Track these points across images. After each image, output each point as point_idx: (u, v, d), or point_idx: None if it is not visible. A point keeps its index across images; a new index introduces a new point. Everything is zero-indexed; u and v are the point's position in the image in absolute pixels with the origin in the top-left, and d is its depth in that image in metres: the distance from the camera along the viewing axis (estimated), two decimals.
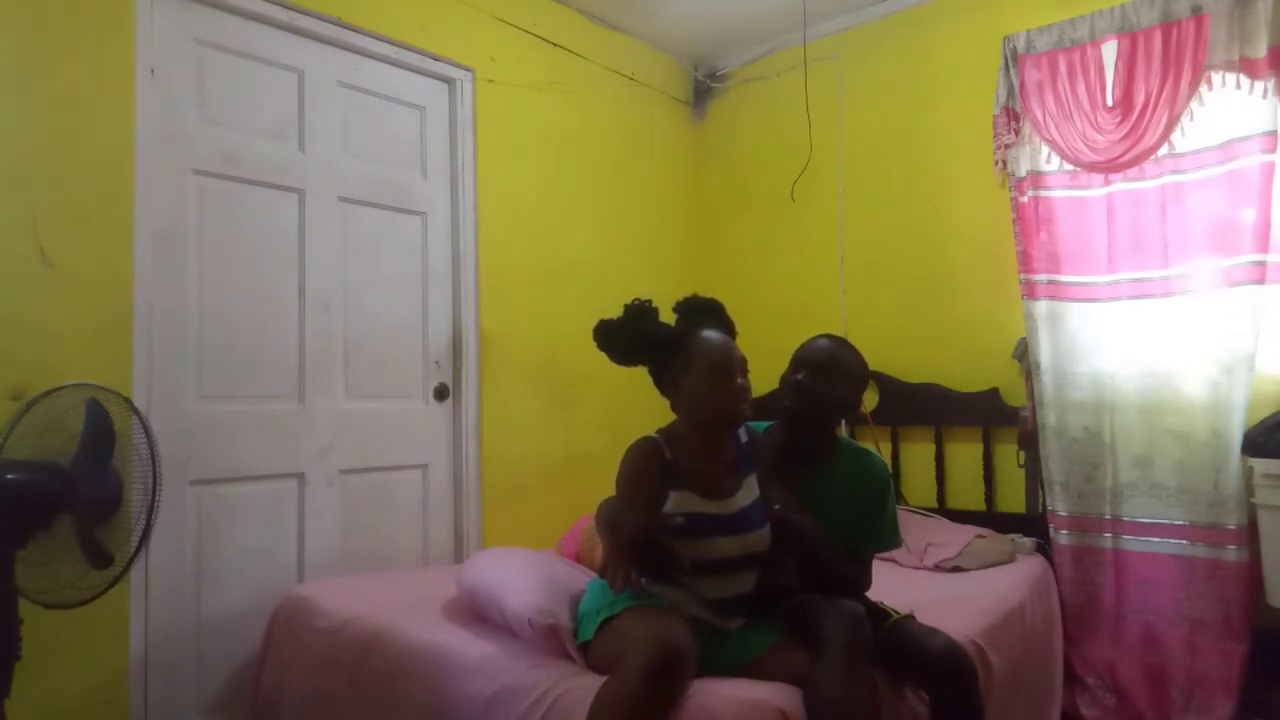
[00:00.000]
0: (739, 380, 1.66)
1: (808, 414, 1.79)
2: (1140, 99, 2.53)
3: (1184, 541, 2.47)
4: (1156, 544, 2.53)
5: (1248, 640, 2.35)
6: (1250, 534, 2.35)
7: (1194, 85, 2.45)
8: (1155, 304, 2.54)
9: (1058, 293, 2.69)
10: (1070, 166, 2.68)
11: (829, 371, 1.79)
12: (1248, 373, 2.36)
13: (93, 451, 1.61)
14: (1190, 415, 2.47)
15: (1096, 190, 2.65)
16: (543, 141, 3.13)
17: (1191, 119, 2.48)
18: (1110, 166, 2.58)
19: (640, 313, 1.69)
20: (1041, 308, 2.70)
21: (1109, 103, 2.60)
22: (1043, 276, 2.71)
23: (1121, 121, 2.56)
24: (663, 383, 1.73)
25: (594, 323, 1.71)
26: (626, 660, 1.41)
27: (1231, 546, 2.38)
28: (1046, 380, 2.69)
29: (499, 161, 2.96)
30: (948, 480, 3.01)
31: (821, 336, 1.88)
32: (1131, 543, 2.57)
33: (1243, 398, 2.37)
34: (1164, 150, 2.51)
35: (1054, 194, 2.72)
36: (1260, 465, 2.25)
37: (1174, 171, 2.51)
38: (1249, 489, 2.33)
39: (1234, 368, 2.38)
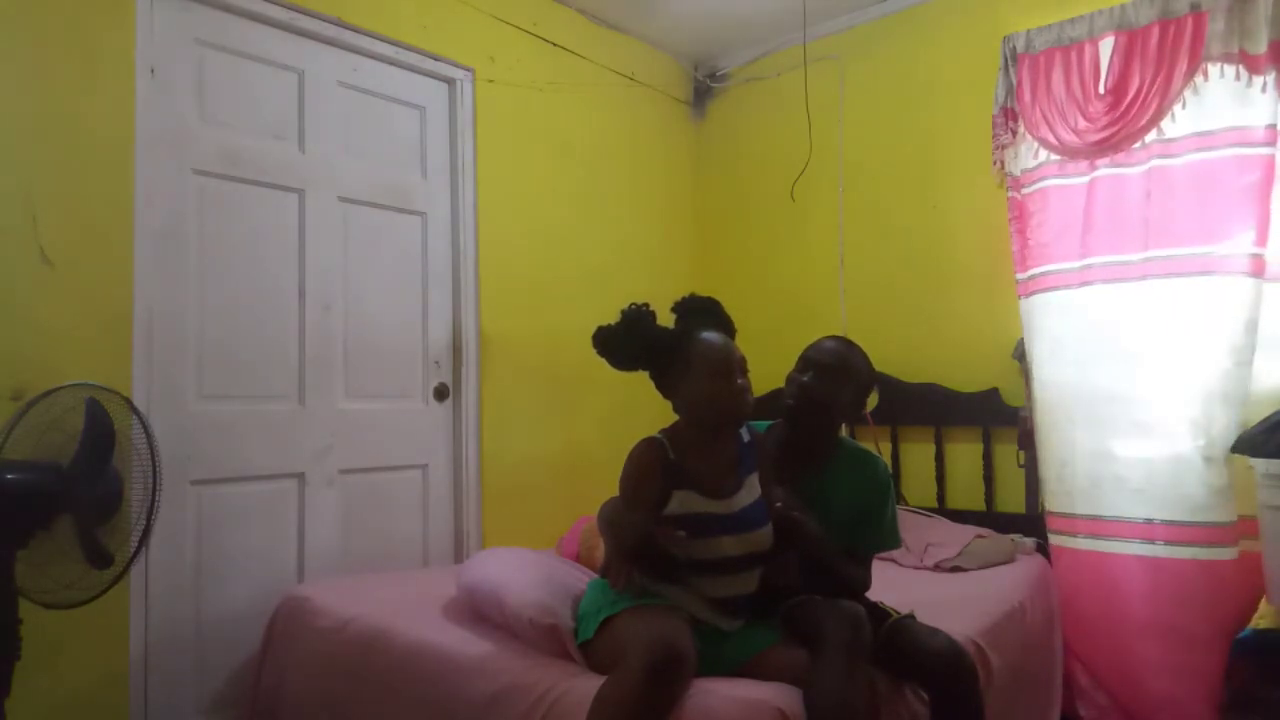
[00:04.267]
0: (738, 380, 1.65)
1: (811, 414, 1.80)
2: (1134, 87, 2.52)
3: (1164, 542, 2.43)
4: (1137, 545, 2.49)
5: (1234, 639, 2.33)
6: (1237, 531, 2.33)
7: (1188, 75, 2.44)
8: (1141, 294, 2.50)
9: (1044, 283, 2.68)
10: (1057, 157, 2.67)
11: (835, 373, 1.79)
12: (1240, 367, 2.34)
13: (93, 451, 1.61)
14: (1168, 408, 2.43)
15: (1081, 178, 2.63)
16: (543, 141, 3.13)
17: (1184, 107, 2.46)
18: (1098, 148, 2.57)
19: (637, 317, 1.68)
20: (1036, 305, 2.70)
21: (1100, 92, 2.60)
22: (1035, 271, 2.70)
23: (1111, 108, 2.56)
24: (663, 385, 1.73)
25: (594, 322, 1.70)
26: (626, 660, 1.42)
27: (1214, 545, 2.35)
28: (1038, 379, 2.68)
29: (499, 161, 2.96)
30: (948, 480, 3.01)
31: (829, 338, 1.88)
32: (1112, 543, 2.53)
33: (1235, 392, 2.34)
34: (1152, 136, 2.49)
35: (1042, 184, 2.71)
36: (1260, 465, 2.24)
37: (1162, 156, 2.49)
38: (1244, 488, 2.31)
39: (1224, 362, 2.35)
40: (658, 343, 1.69)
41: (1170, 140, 2.48)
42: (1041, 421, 2.67)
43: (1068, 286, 2.63)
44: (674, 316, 1.74)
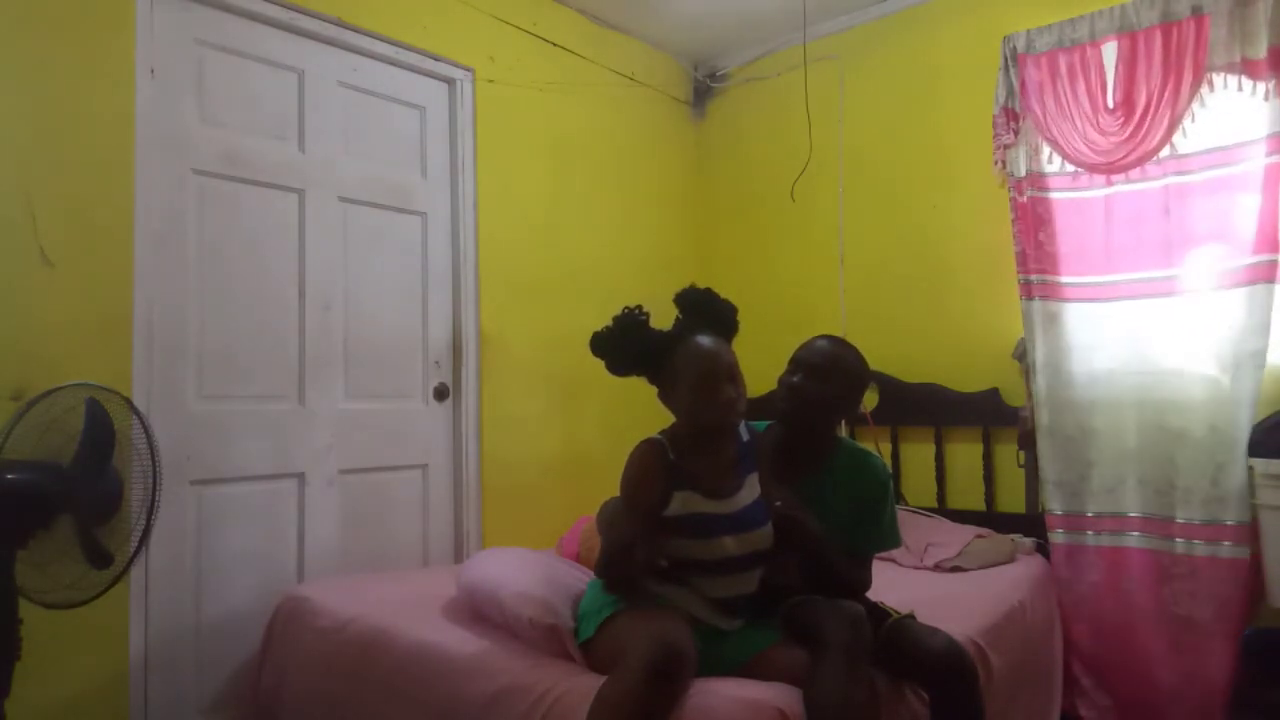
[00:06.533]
0: (726, 391, 1.63)
1: (802, 416, 1.79)
2: (1142, 101, 2.52)
3: (1178, 539, 2.45)
4: (1151, 541, 2.50)
5: (1241, 639, 2.34)
6: (1250, 532, 2.34)
7: (1195, 86, 2.45)
8: (1156, 304, 2.53)
9: (1055, 293, 2.69)
10: (1071, 167, 2.67)
11: (825, 374, 1.78)
12: (1256, 370, 2.35)
13: (93, 451, 1.61)
14: (1188, 413, 2.45)
15: (1097, 191, 2.64)
16: (543, 141, 3.13)
17: (1193, 120, 2.47)
18: (1112, 168, 2.57)
19: (629, 322, 1.68)
20: (1039, 307, 2.70)
21: (1110, 104, 2.60)
22: (1040, 277, 2.70)
23: (1124, 123, 2.56)
24: (659, 390, 1.73)
25: (594, 322, 1.70)
26: (626, 660, 1.42)
27: (1228, 544, 2.36)
28: (1042, 379, 2.68)
29: (499, 161, 2.96)
30: (948, 480, 3.01)
31: (821, 338, 1.87)
32: (1124, 540, 2.55)
33: (1250, 395, 2.35)
34: (1166, 151, 2.51)
35: (1054, 195, 2.71)
36: (1260, 465, 2.25)
37: (1177, 173, 2.51)
38: (1251, 487, 2.32)
39: (1240, 365, 2.36)
40: (648, 348, 1.69)
41: (1183, 157, 2.50)
42: (1051, 422, 2.67)
43: (1094, 299, 2.63)
44: (675, 311, 1.73)
